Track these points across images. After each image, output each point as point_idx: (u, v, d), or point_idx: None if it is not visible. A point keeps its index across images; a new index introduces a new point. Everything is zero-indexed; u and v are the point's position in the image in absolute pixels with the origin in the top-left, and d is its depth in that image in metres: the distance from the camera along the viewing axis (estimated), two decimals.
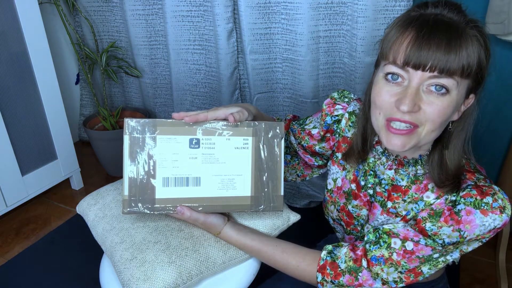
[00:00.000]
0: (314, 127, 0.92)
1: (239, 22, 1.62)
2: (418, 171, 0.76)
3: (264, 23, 1.60)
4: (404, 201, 0.76)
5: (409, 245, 0.70)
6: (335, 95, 0.91)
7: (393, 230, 0.73)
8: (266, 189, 0.82)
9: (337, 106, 0.89)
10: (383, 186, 0.80)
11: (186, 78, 1.91)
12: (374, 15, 1.39)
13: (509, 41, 1.25)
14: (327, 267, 0.75)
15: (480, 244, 0.70)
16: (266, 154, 0.82)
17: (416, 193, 0.75)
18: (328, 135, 0.90)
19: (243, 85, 1.83)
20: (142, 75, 2.05)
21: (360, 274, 0.73)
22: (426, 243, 0.69)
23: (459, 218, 0.66)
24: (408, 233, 0.71)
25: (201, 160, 0.80)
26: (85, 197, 0.99)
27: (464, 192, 0.67)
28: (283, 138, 0.82)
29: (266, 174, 0.82)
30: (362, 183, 0.84)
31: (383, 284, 0.72)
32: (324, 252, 0.77)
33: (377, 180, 0.81)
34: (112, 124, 2.00)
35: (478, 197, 0.65)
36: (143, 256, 0.80)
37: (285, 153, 1.00)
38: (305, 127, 0.94)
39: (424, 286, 0.89)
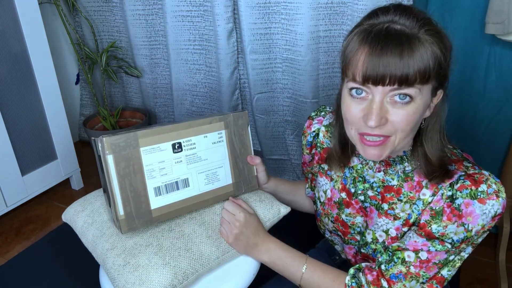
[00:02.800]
0: (306, 153, 0.97)
1: (239, 22, 1.62)
2: (407, 168, 0.76)
3: (264, 23, 1.60)
4: (400, 200, 0.76)
5: (423, 255, 0.70)
6: (312, 114, 0.95)
7: (401, 246, 0.73)
8: (243, 173, 0.92)
9: (314, 122, 0.93)
10: (375, 189, 0.80)
11: (186, 78, 1.91)
12: None
13: (509, 41, 1.25)
14: None
15: (487, 233, 0.70)
16: (238, 142, 0.91)
17: (411, 192, 0.75)
18: (314, 151, 0.94)
19: (243, 85, 1.83)
20: (142, 75, 2.05)
21: None
22: (436, 249, 0.69)
23: (460, 213, 0.66)
24: (416, 244, 0.71)
25: (186, 162, 0.84)
26: (71, 204, 0.99)
27: (459, 185, 0.68)
28: (249, 124, 0.93)
29: (240, 160, 0.92)
30: (352, 190, 0.84)
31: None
32: (348, 278, 0.77)
33: (367, 185, 0.81)
34: (112, 124, 2.00)
35: (473, 187, 0.66)
36: (136, 260, 0.79)
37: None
38: (307, 167, 0.99)
39: None
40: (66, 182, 1.94)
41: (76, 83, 2.32)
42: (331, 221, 0.89)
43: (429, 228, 0.69)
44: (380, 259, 0.76)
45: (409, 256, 0.71)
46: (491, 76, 1.38)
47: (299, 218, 0.93)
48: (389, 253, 0.74)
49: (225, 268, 0.88)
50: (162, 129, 0.81)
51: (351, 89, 0.67)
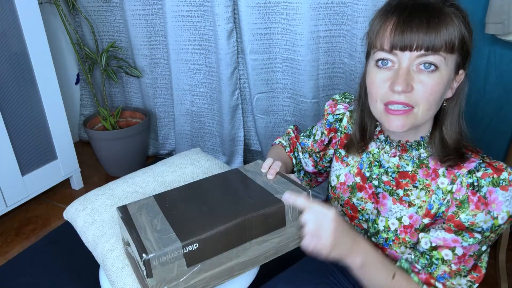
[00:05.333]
0: (322, 133, 0.96)
1: (239, 22, 1.62)
2: (422, 154, 0.77)
3: (264, 23, 1.60)
4: (416, 187, 0.77)
5: (459, 251, 0.71)
6: (337, 96, 0.96)
7: (433, 244, 0.73)
8: None
9: (339, 106, 0.94)
10: (389, 174, 0.81)
11: (186, 78, 1.91)
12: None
13: (509, 41, 1.25)
14: None
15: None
16: None
17: (426, 179, 0.76)
18: (332, 133, 0.94)
19: (243, 85, 1.83)
20: (142, 75, 2.05)
21: None
22: (468, 243, 0.70)
23: (486, 200, 0.68)
24: (445, 240, 0.72)
25: None
26: (72, 202, 0.98)
27: (481, 173, 0.69)
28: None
29: None
30: (367, 174, 0.85)
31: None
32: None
33: (382, 170, 0.82)
34: (112, 124, 1.99)
35: (495, 175, 0.68)
36: None
37: (297, 170, 1.05)
38: (315, 138, 0.98)
39: None
40: (66, 182, 1.94)
41: (76, 83, 2.32)
42: (341, 205, 0.90)
43: (458, 218, 0.70)
44: (420, 263, 0.75)
45: (447, 254, 0.72)
46: (491, 76, 1.38)
47: None
48: (427, 257, 0.74)
49: None
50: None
51: (378, 60, 0.70)
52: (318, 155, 0.98)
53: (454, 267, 0.72)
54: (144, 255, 0.63)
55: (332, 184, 0.92)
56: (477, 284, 0.75)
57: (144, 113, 2.10)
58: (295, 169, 1.04)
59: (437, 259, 0.73)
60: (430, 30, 0.65)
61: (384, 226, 0.81)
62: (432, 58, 0.66)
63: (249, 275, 0.88)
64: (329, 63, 1.59)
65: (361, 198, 0.85)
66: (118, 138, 1.95)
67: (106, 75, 2.01)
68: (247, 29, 1.60)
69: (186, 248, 0.65)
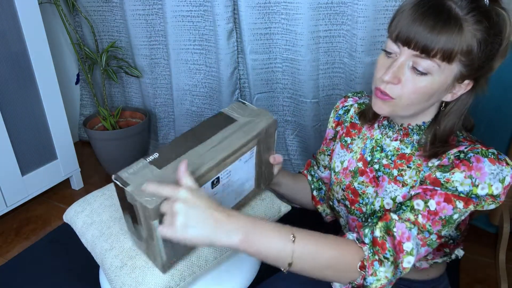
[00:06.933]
0: (330, 128, 1.00)
1: (239, 22, 1.62)
2: (422, 140, 0.78)
3: (264, 23, 1.60)
4: (409, 167, 0.78)
5: (432, 205, 0.69)
6: (349, 94, 1.00)
7: (412, 193, 0.73)
8: (264, 174, 0.91)
9: (349, 99, 0.98)
10: (389, 157, 0.82)
11: (186, 78, 1.91)
12: (374, 15, 1.39)
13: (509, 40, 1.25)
14: (370, 257, 0.70)
15: (496, 205, 0.69)
16: (265, 149, 0.87)
17: (419, 160, 0.77)
18: (339, 126, 0.97)
19: (243, 85, 1.83)
20: (142, 75, 2.05)
21: (394, 229, 0.69)
22: (441, 192, 0.69)
23: (470, 164, 0.68)
24: (422, 188, 0.72)
25: (222, 191, 0.81)
26: (71, 205, 0.99)
27: (469, 147, 0.70)
28: (276, 129, 0.88)
29: (263, 163, 0.89)
30: (369, 158, 0.86)
31: (419, 232, 0.70)
32: (367, 253, 0.70)
33: (383, 154, 0.84)
34: (112, 124, 1.99)
35: (484, 148, 0.69)
36: (133, 262, 0.79)
37: (314, 188, 1.07)
38: (327, 139, 1.01)
39: (426, 285, 0.89)
40: (66, 182, 1.94)
41: (76, 83, 2.32)
42: (342, 189, 0.91)
43: (434, 175, 0.71)
44: (390, 210, 0.75)
45: (418, 204, 0.70)
46: (491, 76, 1.38)
47: (299, 218, 0.93)
48: (398, 204, 0.74)
49: (225, 268, 0.88)
50: (205, 172, 0.72)
51: (384, 50, 0.73)
52: (329, 152, 1.01)
53: (421, 219, 0.69)
54: (113, 175, 0.71)
55: (336, 170, 0.94)
56: (426, 248, 0.70)
57: (144, 113, 2.10)
58: (312, 186, 1.06)
59: (407, 206, 0.71)
60: (432, 33, 0.65)
61: (379, 206, 0.81)
62: (424, 63, 0.67)
63: (249, 274, 0.89)
64: (329, 63, 1.59)
65: (362, 182, 0.87)
66: (118, 138, 1.95)
67: (106, 75, 2.01)
68: (247, 29, 1.60)
69: (148, 158, 0.74)
